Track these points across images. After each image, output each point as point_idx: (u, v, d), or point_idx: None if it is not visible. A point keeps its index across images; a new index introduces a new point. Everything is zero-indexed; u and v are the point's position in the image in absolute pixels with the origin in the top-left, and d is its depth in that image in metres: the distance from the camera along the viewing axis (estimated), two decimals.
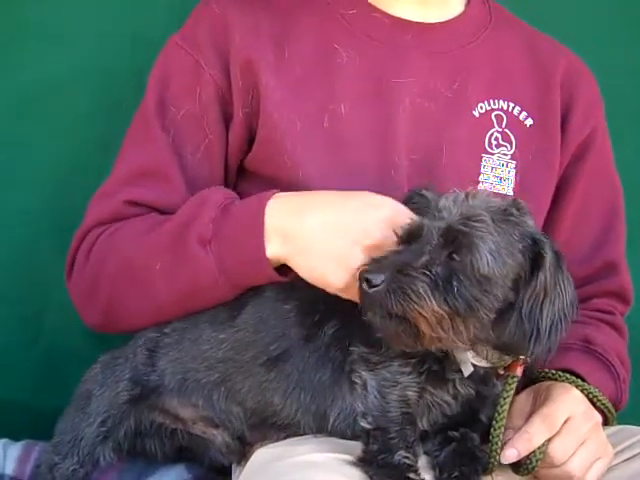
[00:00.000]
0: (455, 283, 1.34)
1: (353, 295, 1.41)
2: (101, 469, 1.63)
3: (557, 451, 1.47)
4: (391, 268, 1.34)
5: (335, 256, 1.44)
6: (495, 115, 1.67)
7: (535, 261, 1.37)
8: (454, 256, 1.35)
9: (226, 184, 1.65)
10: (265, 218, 1.48)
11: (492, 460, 1.48)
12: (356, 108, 1.59)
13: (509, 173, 1.65)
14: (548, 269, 1.37)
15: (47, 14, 1.85)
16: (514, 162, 1.60)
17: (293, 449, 1.46)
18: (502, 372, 1.48)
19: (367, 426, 1.46)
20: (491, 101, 1.67)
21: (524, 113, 1.67)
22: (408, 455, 1.44)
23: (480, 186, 1.61)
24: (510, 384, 1.48)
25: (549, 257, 1.37)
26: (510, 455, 1.47)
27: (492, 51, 1.70)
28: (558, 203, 1.70)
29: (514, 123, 1.66)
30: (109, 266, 1.60)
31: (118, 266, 1.60)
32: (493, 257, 1.35)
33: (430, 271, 1.34)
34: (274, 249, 1.48)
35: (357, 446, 1.46)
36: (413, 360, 1.44)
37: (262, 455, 1.48)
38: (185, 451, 1.65)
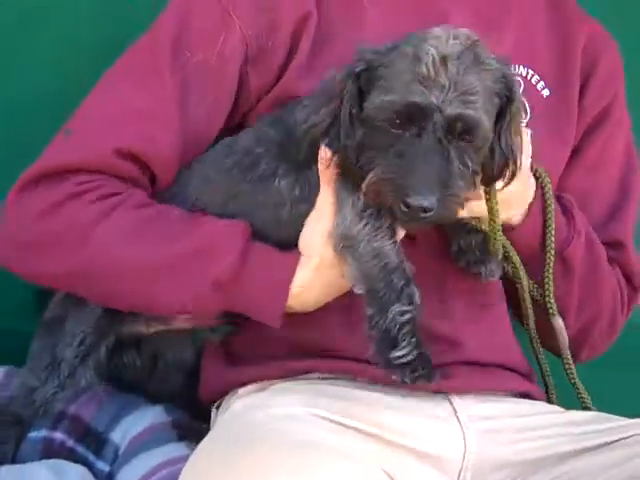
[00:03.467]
0: (470, 163, 1.37)
1: None
2: (80, 403, 1.62)
3: None
4: (437, 187, 1.34)
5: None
6: None
7: (507, 96, 1.40)
8: (466, 137, 1.36)
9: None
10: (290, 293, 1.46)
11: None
12: None
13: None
14: (518, 98, 1.41)
15: None
16: (527, 131, 1.54)
17: (273, 398, 1.45)
18: None
19: (359, 292, 1.46)
20: (515, 66, 1.61)
21: (542, 83, 1.63)
22: (402, 308, 1.42)
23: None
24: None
25: (516, 88, 1.41)
26: None
27: (520, 11, 1.65)
28: (566, 175, 1.67)
29: (531, 92, 1.61)
30: (86, 252, 1.48)
31: (100, 259, 1.48)
32: (488, 118, 1.37)
33: (461, 169, 1.36)
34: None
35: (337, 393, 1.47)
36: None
37: (241, 404, 1.47)
38: (160, 357, 1.67)
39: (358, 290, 1.45)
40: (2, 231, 1.54)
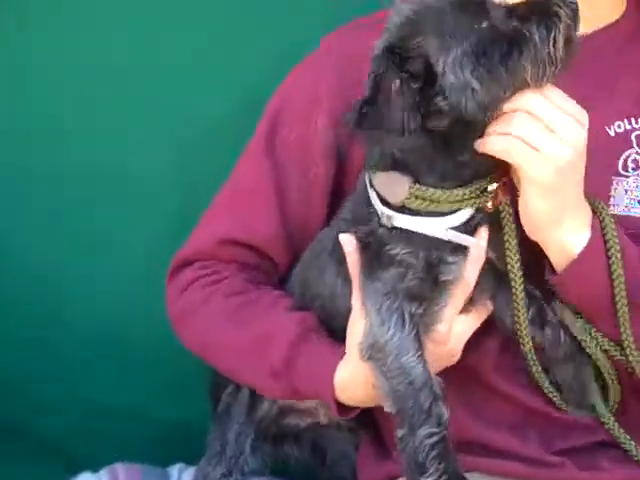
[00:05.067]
0: None
1: None
2: None
3: None
4: None
5: None
6: (636, 135, 1.56)
7: None
8: None
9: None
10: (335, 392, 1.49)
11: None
12: None
13: None
14: None
15: None
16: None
17: None
18: (490, 206, 1.42)
19: (388, 410, 1.43)
20: (633, 120, 1.56)
21: None
22: (430, 430, 1.38)
23: (612, 209, 1.51)
24: (508, 215, 1.43)
25: None
26: None
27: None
28: None
29: None
30: (192, 329, 1.64)
31: (198, 337, 1.63)
32: None
33: None
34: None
35: None
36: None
37: None
38: (319, 449, 1.73)
39: (387, 408, 1.42)
40: None
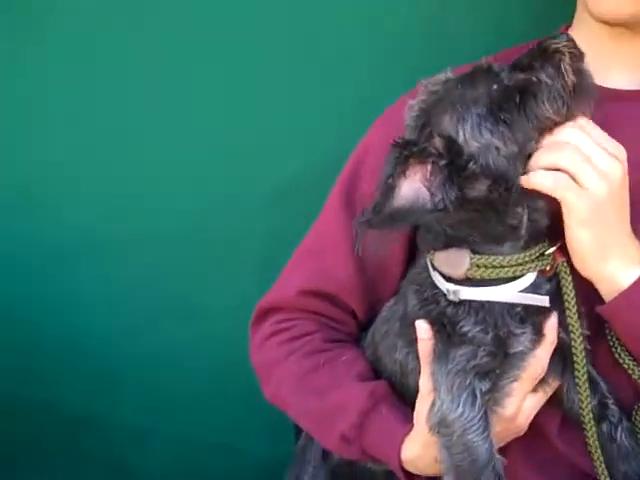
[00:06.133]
0: None
1: None
2: None
3: None
4: None
5: None
6: None
7: None
8: None
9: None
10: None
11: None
12: None
13: None
14: None
15: None
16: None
17: None
18: (549, 268, 1.43)
19: None
20: None
21: None
22: None
23: None
24: (565, 275, 1.43)
25: None
26: None
27: None
28: None
29: None
30: (270, 386, 1.67)
31: (275, 395, 1.66)
32: None
33: None
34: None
35: None
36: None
37: None
38: None
39: None
40: None
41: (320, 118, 1.99)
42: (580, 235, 1.40)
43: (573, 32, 1.60)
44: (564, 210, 1.40)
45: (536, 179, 1.38)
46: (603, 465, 1.49)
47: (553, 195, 1.39)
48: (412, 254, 1.60)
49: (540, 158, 1.38)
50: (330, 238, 1.64)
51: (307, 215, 1.74)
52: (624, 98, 1.56)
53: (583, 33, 1.57)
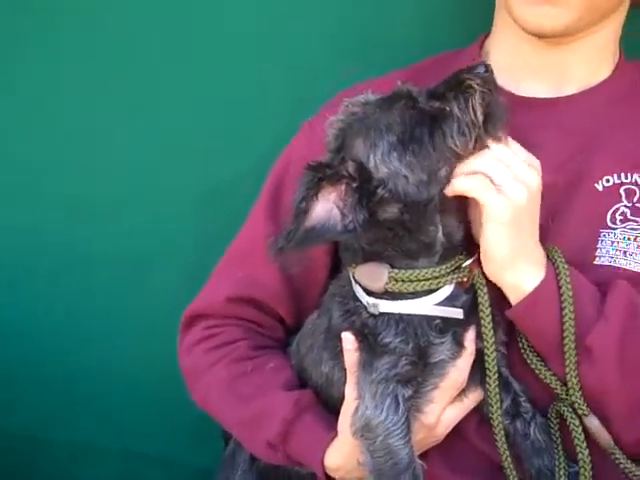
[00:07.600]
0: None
1: None
2: None
3: None
4: None
5: None
6: (625, 189, 1.57)
7: None
8: None
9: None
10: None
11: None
12: None
13: (638, 247, 1.55)
14: None
15: None
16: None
17: None
18: (466, 280, 1.49)
19: None
20: (622, 174, 1.57)
21: None
22: None
23: (597, 260, 1.54)
24: (481, 285, 1.49)
25: None
26: None
27: (632, 122, 1.60)
28: None
29: None
30: (197, 391, 1.72)
31: (202, 400, 1.71)
32: None
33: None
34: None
35: None
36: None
37: None
38: None
39: None
40: None
41: (254, 122, 2.03)
42: (495, 236, 1.45)
43: (492, 40, 1.66)
44: (483, 212, 1.44)
45: (457, 183, 1.44)
46: (512, 465, 1.54)
47: (472, 196, 1.44)
48: (337, 259, 1.63)
49: (462, 166, 1.44)
50: (256, 245, 1.66)
51: (238, 220, 1.77)
52: (538, 106, 1.61)
53: (502, 42, 1.63)
